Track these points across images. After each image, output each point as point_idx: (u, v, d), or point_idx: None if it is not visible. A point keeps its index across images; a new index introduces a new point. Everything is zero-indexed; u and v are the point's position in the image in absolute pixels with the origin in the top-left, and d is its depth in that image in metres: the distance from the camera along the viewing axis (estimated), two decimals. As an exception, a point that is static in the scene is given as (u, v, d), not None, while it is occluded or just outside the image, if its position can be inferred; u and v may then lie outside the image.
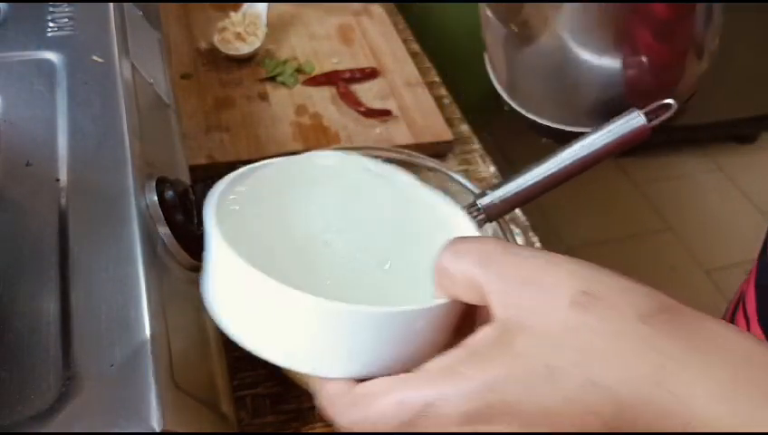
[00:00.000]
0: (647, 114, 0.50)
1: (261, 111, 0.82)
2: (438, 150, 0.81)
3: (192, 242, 0.41)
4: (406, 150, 0.74)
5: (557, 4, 0.48)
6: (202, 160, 0.74)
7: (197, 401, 0.36)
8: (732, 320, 0.56)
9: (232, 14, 0.91)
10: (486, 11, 0.53)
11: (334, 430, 0.34)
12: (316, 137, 0.79)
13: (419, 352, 0.31)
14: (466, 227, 0.38)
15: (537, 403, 0.27)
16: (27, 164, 0.41)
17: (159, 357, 0.33)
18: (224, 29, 0.90)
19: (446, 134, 0.82)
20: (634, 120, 0.50)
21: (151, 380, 0.32)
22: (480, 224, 0.56)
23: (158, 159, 0.47)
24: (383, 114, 0.83)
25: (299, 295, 0.30)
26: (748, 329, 0.52)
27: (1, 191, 0.40)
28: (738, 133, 2.18)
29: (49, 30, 0.50)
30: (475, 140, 0.85)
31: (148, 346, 0.33)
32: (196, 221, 0.42)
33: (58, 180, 0.40)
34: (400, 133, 0.81)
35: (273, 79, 0.87)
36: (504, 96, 0.57)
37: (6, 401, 0.31)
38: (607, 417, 0.26)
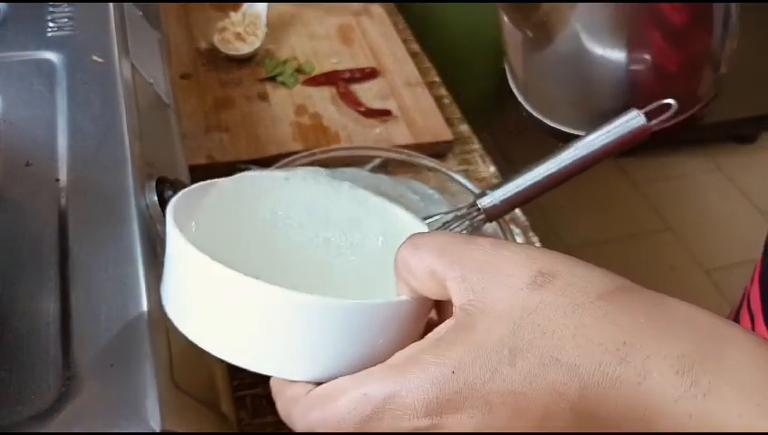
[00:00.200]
0: (646, 114, 0.50)
1: (261, 111, 0.82)
2: (438, 150, 0.81)
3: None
4: (406, 150, 0.75)
5: (571, 6, 0.48)
6: (202, 160, 0.74)
7: (197, 400, 0.36)
8: (736, 319, 0.56)
9: (232, 14, 0.91)
10: (503, 16, 0.53)
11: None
12: (316, 137, 0.79)
13: (383, 354, 0.30)
14: (419, 227, 0.38)
15: (502, 385, 0.27)
16: (27, 164, 0.41)
17: (159, 357, 0.33)
18: (224, 29, 0.90)
19: (445, 134, 0.82)
20: (634, 120, 0.50)
21: (151, 380, 0.32)
22: (480, 224, 0.57)
23: (158, 159, 0.47)
24: (383, 114, 0.83)
25: (269, 288, 0.29)
26: (753, 327, 0.52)
27: (1, 191, 0.40)
28: (738, 133, 2.17)
29: (49, 30, 0.50)
30: (475, 140, 0.85)
31: (148, 346, 0.33)
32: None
33: (58, 180, 0.40)
34: (400, 133, 0.81)
35: (272, 79, 0.87)
36: (522, 102, 0.56)
37: (6, 401, 0.31)
38: (573, 397, 0.26)
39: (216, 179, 0.38)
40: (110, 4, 0.53)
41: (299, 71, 0.88)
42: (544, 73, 0.54)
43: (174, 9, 0.96)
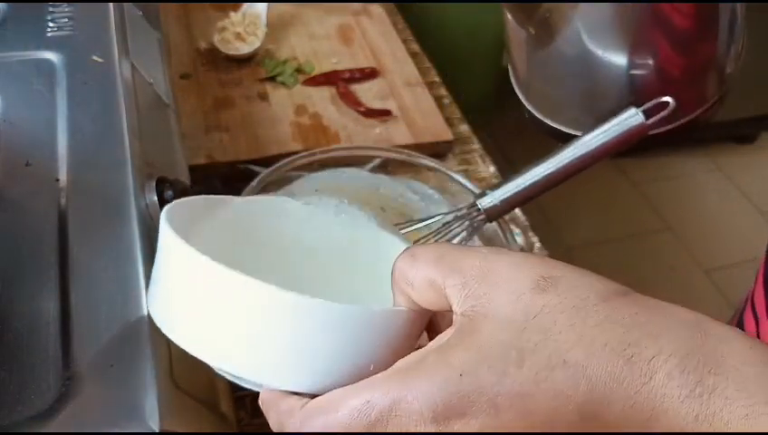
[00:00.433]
0: (644, 112, 0.50)
1: (260, 111, 0.82)
2: (438, 150, 0.81)
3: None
4: (406, 150, 0.75)
5: (574, 6, 0.48)
6: (201, 160, 0.74)
7: (197, 401, 0.36)
8: (739, 321, 0.56)
9: (232, 14, 0.91)
10: (507, 15, 0.52)
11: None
12: (316, 137, 0.79)
13: (379, 366, 0.30)
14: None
15: (509, 387, 0.26)
16: (27, 164, 0.41)
17: (159, 357, 0.33)
18: (223, 29, 0.90)
19: (445, 134, 0.82)
20: (632, 119, 0.50)
21: (151, 380, 0.32)
22: (480, 224, 0.57)
23: (158, 159, 0.47)
24: (383, 114, 0.83)
25: (270, 289, 0.29)
26: (757, 327, 0.52)
27: (1, 191, 0.40)
28: (738, 133, 2.18)
29: (49, 30, 0.50)
30: (475, 140, 0.86)
31: (149, 347, 0.33)
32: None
33: (58, 180, 0.40)
34: (400, 133, 0.81)
35: (272, 79, 0.87)
36: (524, 102, 0.56)
37: (6, 401, 0.31)
38: (580, 398, 0.26)
39: (217, 196, 0.38)
40: (110, 4, 0.53)
41: (299, 71, 0.88)
42: (547, 74, 0.54)
43: (174, 9, 0.96)
